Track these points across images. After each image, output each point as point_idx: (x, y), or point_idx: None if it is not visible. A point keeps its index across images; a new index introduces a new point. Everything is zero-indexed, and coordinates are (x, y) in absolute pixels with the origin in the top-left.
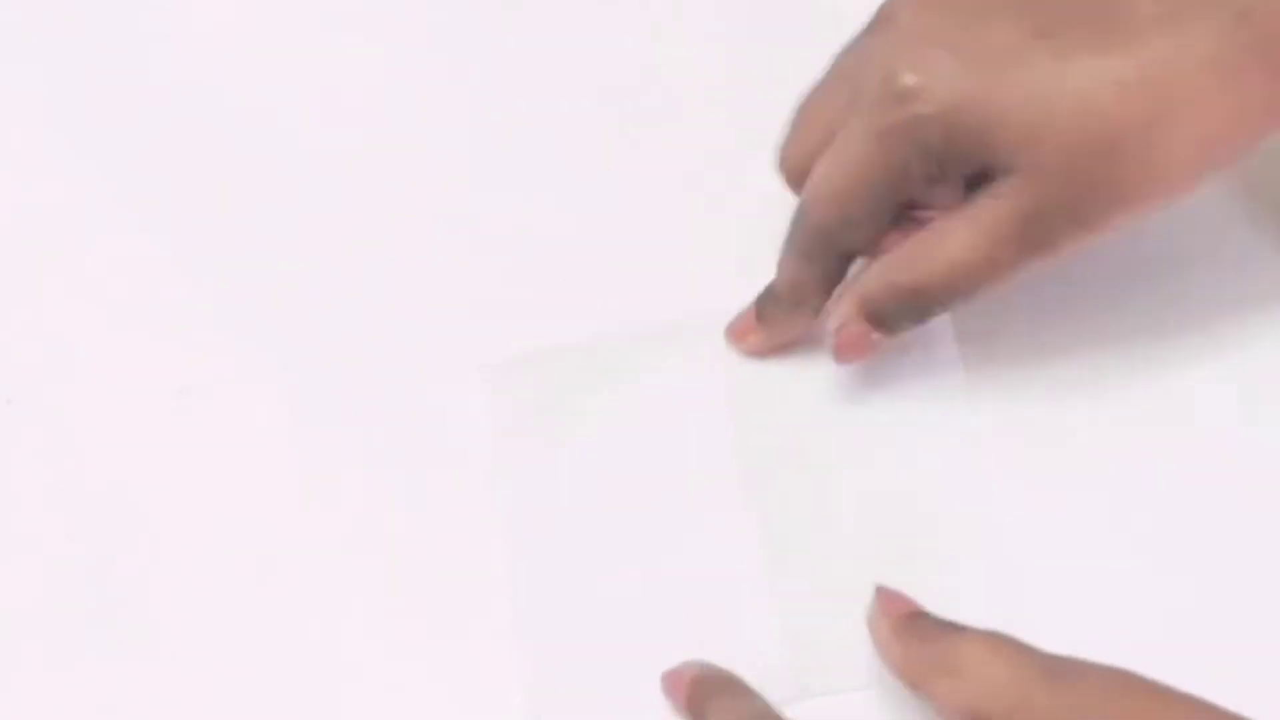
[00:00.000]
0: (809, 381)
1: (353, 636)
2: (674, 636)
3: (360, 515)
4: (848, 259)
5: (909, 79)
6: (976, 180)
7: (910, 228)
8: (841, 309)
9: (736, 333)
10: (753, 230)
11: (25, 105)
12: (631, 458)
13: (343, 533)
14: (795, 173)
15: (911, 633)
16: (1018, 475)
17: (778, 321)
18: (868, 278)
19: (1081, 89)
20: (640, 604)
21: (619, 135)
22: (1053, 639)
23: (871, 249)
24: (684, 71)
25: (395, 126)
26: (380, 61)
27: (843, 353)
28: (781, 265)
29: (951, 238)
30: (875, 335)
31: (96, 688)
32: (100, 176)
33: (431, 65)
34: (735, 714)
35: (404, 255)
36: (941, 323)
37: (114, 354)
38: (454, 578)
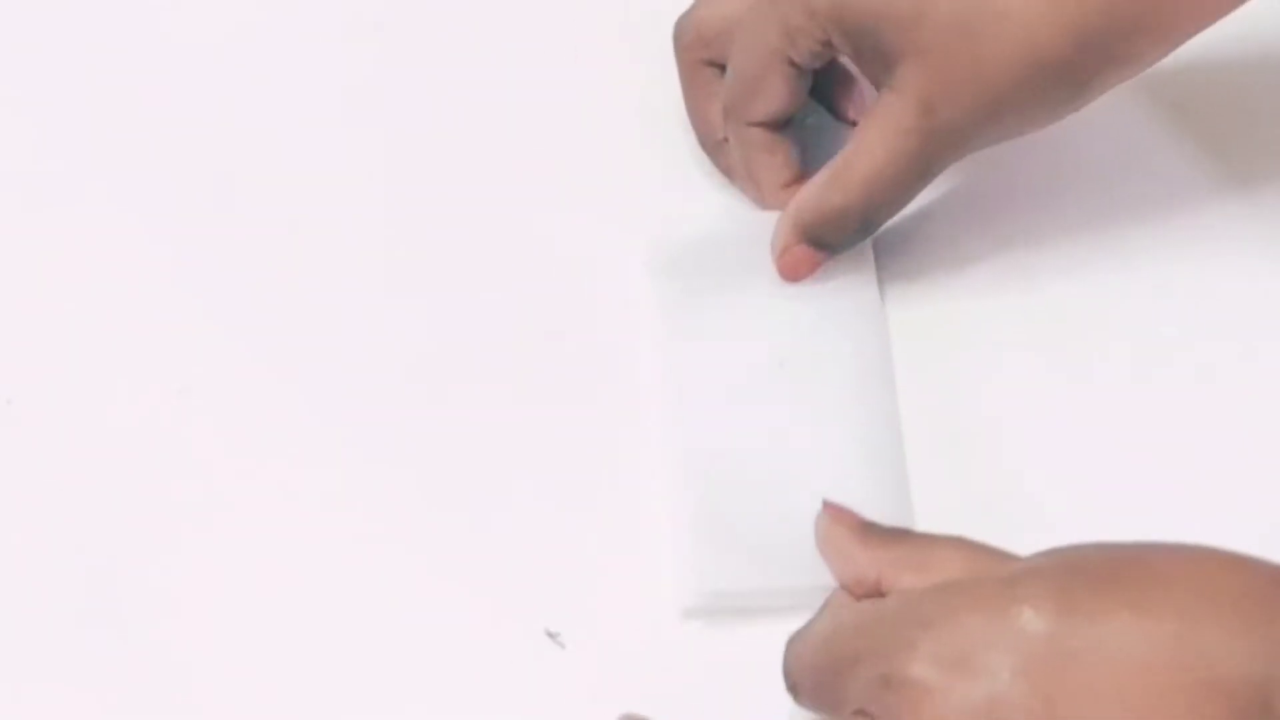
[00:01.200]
0: None
1: (353, 637)
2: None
3: (361, 515)
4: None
5: None
6: (878, 70)
7: None
8: (781, 235)
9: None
10: None
11: (25, 105)
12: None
13: (343, 532)
14: (689, 39)
15: (873, 535)
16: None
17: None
18: (801, 200)
19: None
20: (789, 477)
21: None
22: None
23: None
24: None
25: (395, 125)
26: (381, 61)
27: (788, 274)
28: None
29: (864, 146)
30: (819, 254)
31: (97, 688)
32: (100, 176)
33: (432, 64)
34: None
35: (404, 255)
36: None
37: (114, 354)
38: (454, 578)
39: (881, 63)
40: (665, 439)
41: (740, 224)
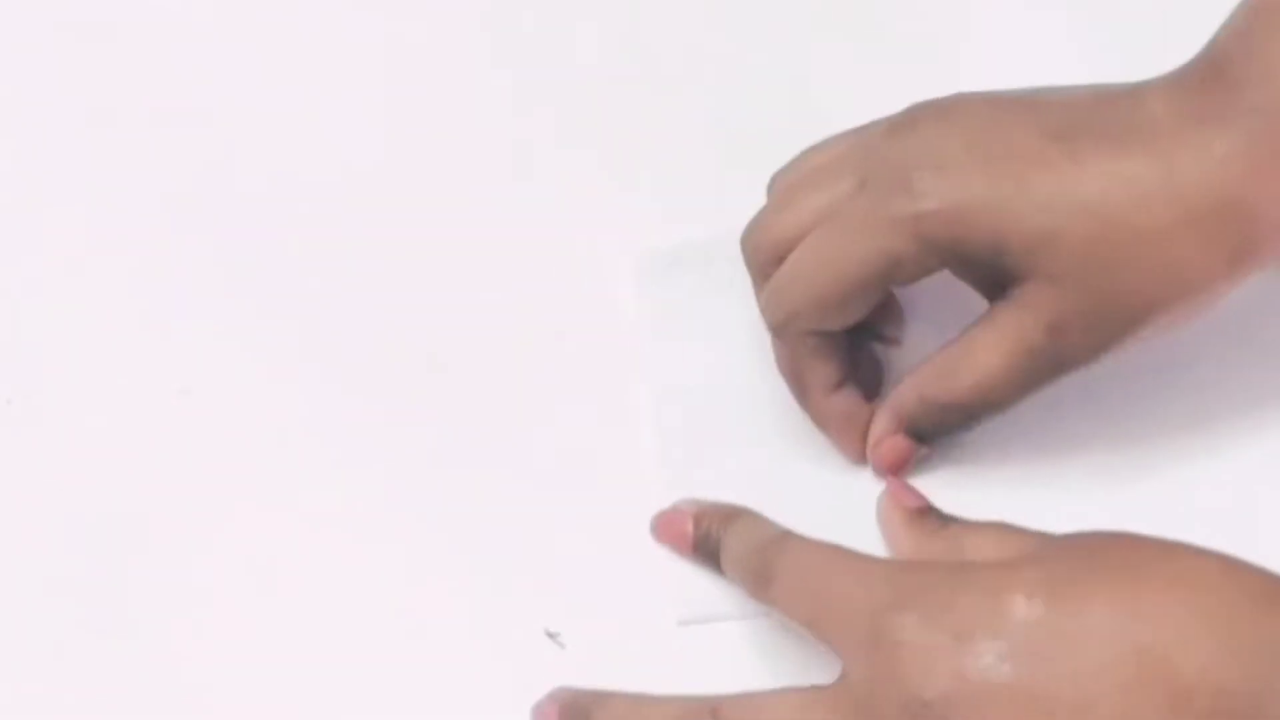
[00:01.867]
0: None
1: (353, 637)
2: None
3: (361, 515)
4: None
5: (922, 176)
6: (993, 284)
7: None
8: (879, 425)
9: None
10: None
11: (26, 105)
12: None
13: (343, 533)
14: (764, 250)
15: (921, 524)
16: None
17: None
18: (901, 393)
19: (1097, 194)
20: (779, 486)
21: None
22: None
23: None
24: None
25: (395, 125)
26: (381, 61)
27: (884, 468)
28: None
29: (980, 350)
30: (918, 446)
31: (97, 688)
32: (101, 177)
33: (434, 63)
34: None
35: (405, 256)
36: None
37: (114, 354)
38: (455, 578)
39: (1002, 282)
40: (654, 452)
41: (731, 231)
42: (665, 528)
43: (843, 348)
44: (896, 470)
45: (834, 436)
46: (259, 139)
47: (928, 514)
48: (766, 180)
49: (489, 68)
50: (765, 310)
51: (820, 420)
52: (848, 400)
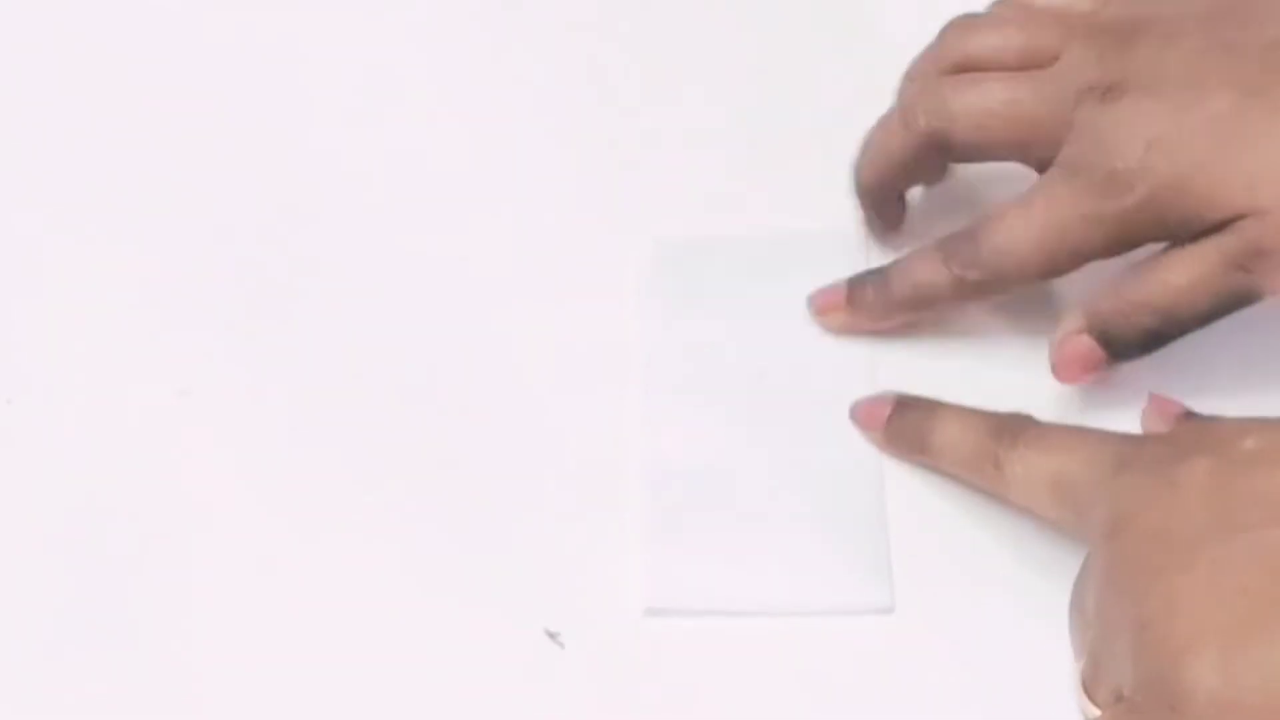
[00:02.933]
0: None
1: (353, 637)
2: (781, 524)
3: (361, 516)
4: None
5: (1133, 158)
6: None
7: None
8: (1067, 322)
9: (819, 305)
10: None
11: (26, 105)
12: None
13: (344, 533)
14: (952, 54)
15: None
16: None
17: (873, 313)
18: (1095, 294)
19: None
20: (756, 485)
21: None
22: None
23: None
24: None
25: (396, 125)
26: (382, 62)
27: (1065, 369)
28: (918, 266)
29: (1179, 259)
30: (1102, 354)
31: (97, 688)
32: (100, 176)
33: (435, 64)
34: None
35: (405, 257)
36: None
37: (114, 354)
38: (455, 579)
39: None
40: (638, 444)
41: (735, 239)
42: (864, 412)
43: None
44: (1072, 371)
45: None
46: (259, 139)
47: (1191, 415)
48: (780, 178)
49: (492, 65)
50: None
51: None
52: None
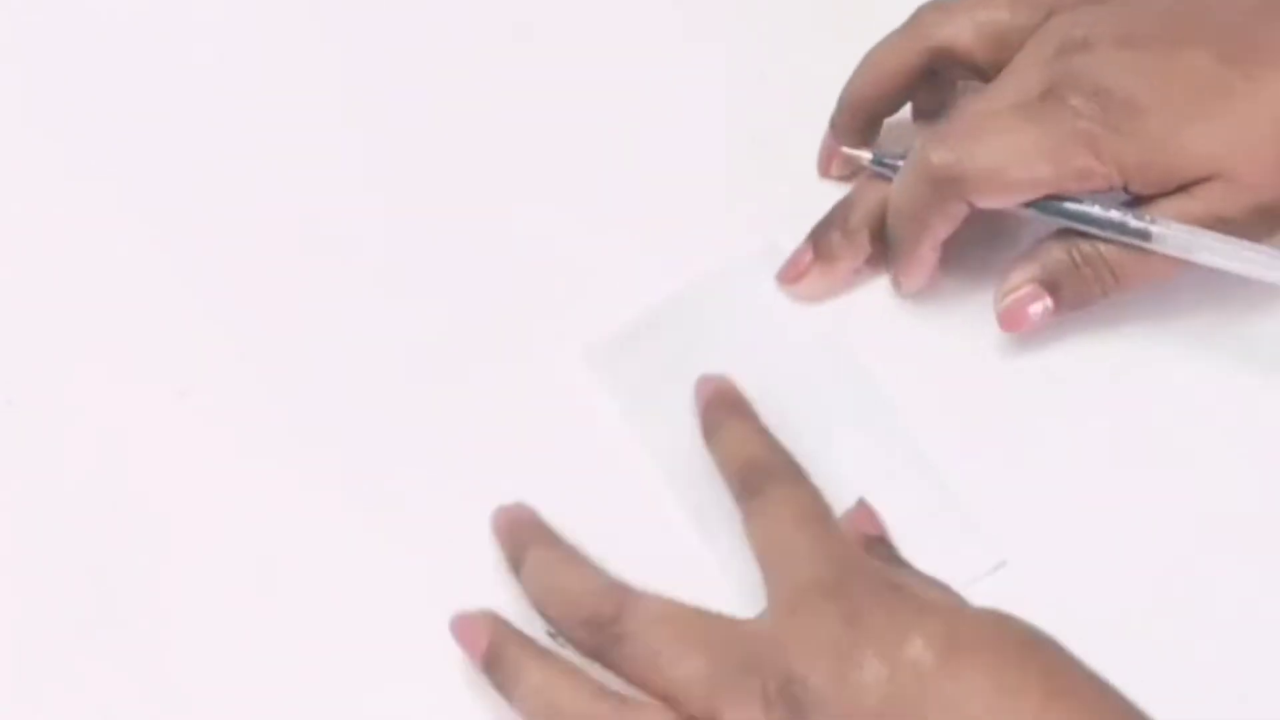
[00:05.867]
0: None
1: (353, 638)
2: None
3: (362, 515)
4: None
5: (1115, 111)
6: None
7: None
8: (1018, 272)
9: (788, 276)
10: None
11: (26, 105)
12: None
13: (344, 533)
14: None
15: (872, 552)
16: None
17: (844, 254)
18: (1047, 243)
19: (1274, 106)
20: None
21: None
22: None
23: None
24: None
25: (397, 128)
26: (383, 63)
27: (1009, 313)
28: (868, 188)
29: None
30: (1047, 302)
31: (97, 688)
32: (100, 176)
33: (434, 64)
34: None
35: (405, 258)
36: None
37: (114, 354)
38: (457, 577)
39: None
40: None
41: (677, 294)
42: (700, 384)
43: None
44: (1020, 319)
45: (908, 282)
46: (260, 141)
47: (879, 546)
48: (774, 182)
49: (491, 66)
50: (927, 141)
51: (908, 267)
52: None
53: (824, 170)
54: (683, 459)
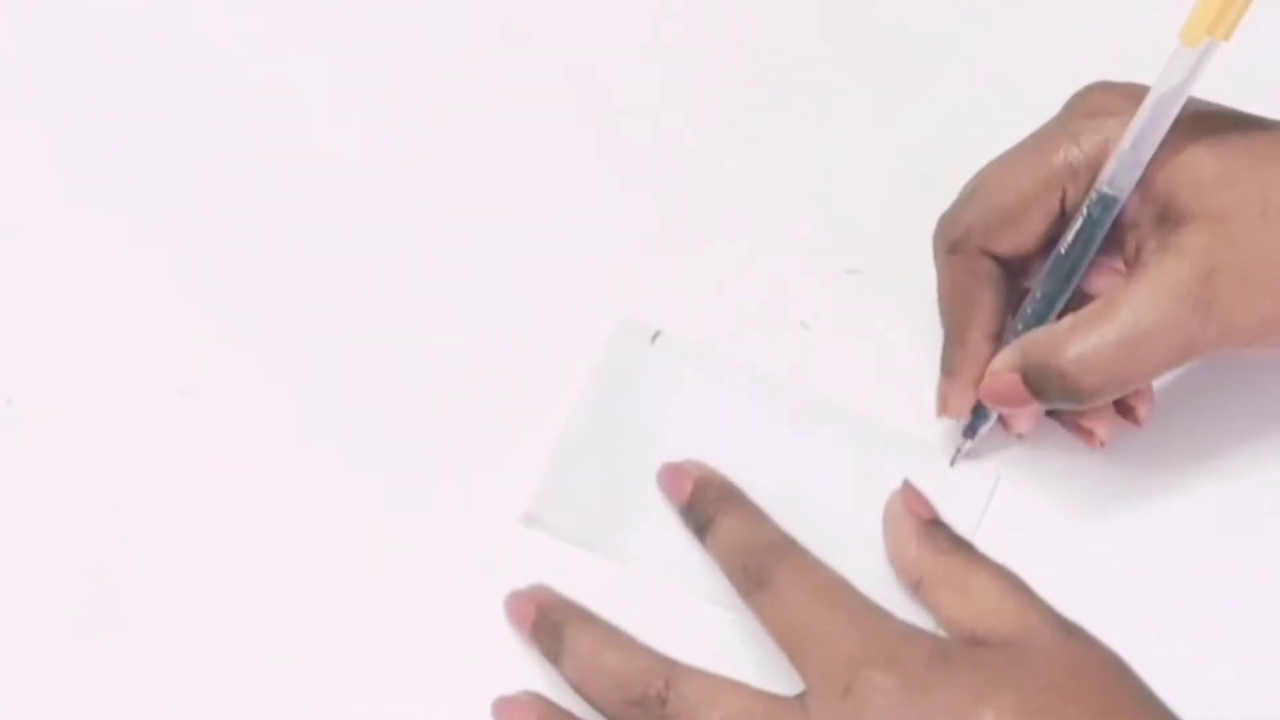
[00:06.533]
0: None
1: (354, 638)
2: None
3: (362, 515)
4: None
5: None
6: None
7: None
8: (1002, 358)
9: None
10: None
11: (27, 105)
12: None
13: (345, 533)
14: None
15: (932, 539)
16: None
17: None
18: (1036, 340)
19: (1270, 144)
20: None
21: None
22: None
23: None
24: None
25: (397, 128)
26: (384, 64)
27: (990, 393)
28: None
29: (1129, 306)
30: (1029, 397)
31: (97, 688)
32: (101, 176)
33: (433, 65)
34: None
35: (405, 259)
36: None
37: (114, 354)
38: (459, 577)
39: (1166, 224)
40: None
41: (588, 420)
42: (669, 477)
43: (1009, 292)
44: (995, 402)
45: (961, 385)
46: (259, 140)
47: (938, 528)
48: (770, 181)
49: (492, 68)
50: (938, 233)
51: (956, 363)
52: (991, 352)
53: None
54: (678, 561)
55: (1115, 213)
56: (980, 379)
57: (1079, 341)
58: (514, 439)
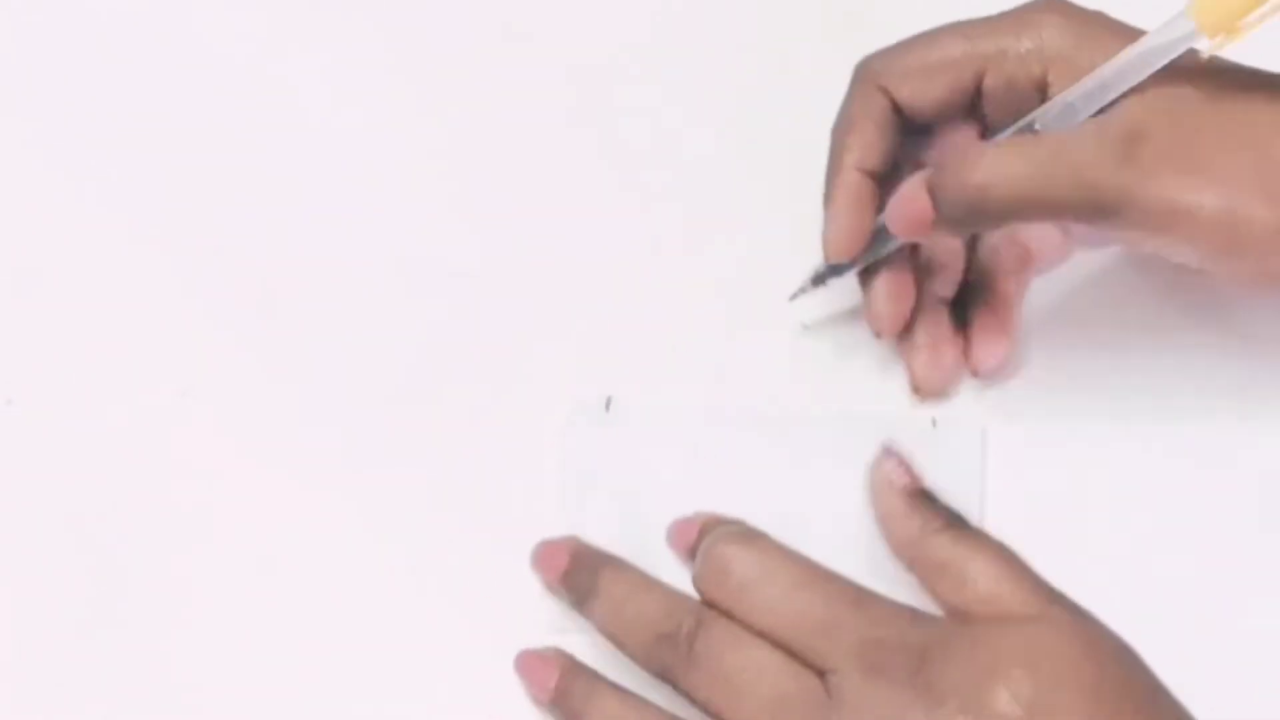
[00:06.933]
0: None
1: (355, 637)
2: None
3: (362, 515)
4: None
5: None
6: None
7: None
8: (917, 177)
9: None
10: None
11: (27, 105)
12: None
13: (345, 533)
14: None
15: (923, 515)
16: None
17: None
18: (953, 159)
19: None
20: None
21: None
22: None
23: None
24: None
25: (395, 126)
26: (384, 64)
27: (897, 223)
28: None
29: (1045, 142)
30: (932, 217)
31: (96, 688)
32: (101, 176)
33: (432, 66)
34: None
35: (407, 260)
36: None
37: (114, 354)
38: (459, 576)
39: None
40: None
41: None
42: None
43: (895, 142)
44: (907, 229)
45: (830, 212)
46: (259, 140)
47: (927, 503)
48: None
49: (491, 68)
50: (857, 65)
51: (830, 191)
52: (868, 188)
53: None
54: None
55: None
56: (854, 211)
57: (998, 157)
58: (514, 438)
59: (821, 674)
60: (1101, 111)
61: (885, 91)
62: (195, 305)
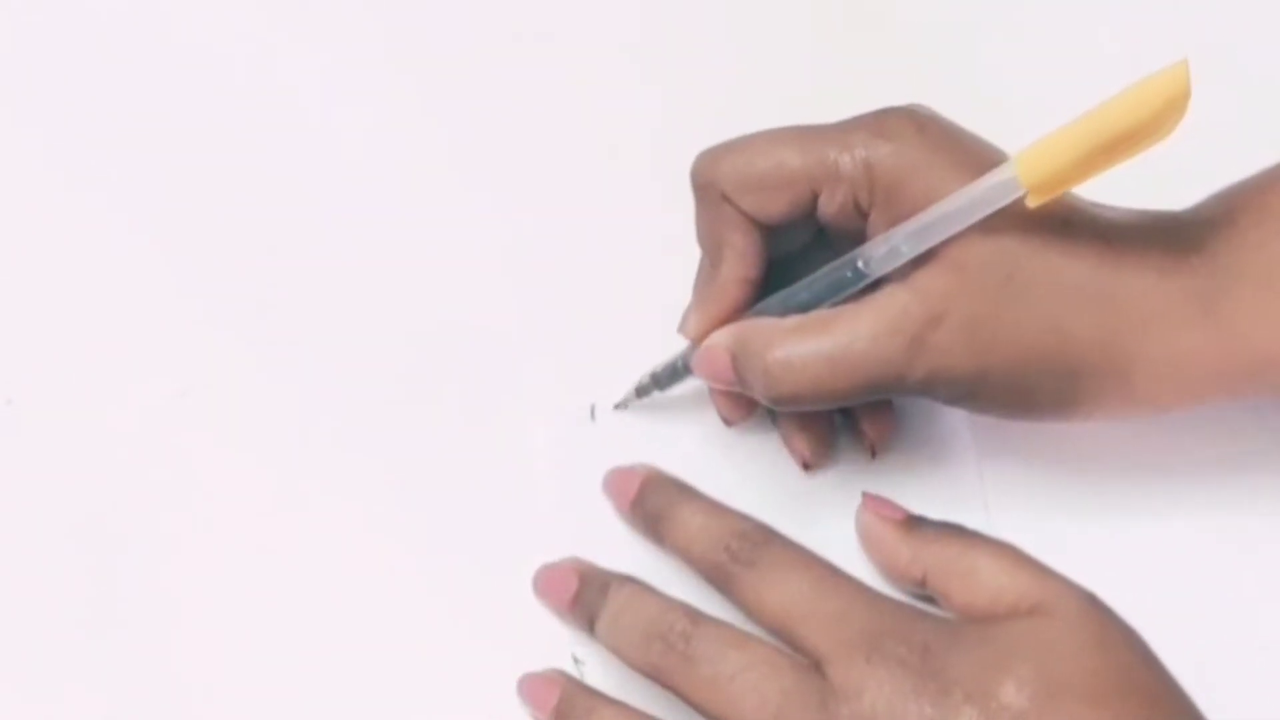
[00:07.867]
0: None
1: (355, 637)
2: None
3: (363, 515)
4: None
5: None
6: None
7: None
8: (720, 335)
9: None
10: None
11: (28, 104)
12: None
13: (344, 533)
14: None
15: (917, 531)
16: None
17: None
18: (752, 329)
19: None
20: None
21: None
22: None
23: None
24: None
25: (396, 126)
26: (384, 64)
27: (702, 364)
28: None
29: (850, 328)
30: (732, 377)
31: (97, 689)
32: (101, 176)
33: (431, 65)
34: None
35: (404, 257)
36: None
37: (114, 355)
38: (460, 575)
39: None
40: None
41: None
42: (614, 482)
43: (763, 237)
44: (712, 380)
45: (697, 311)
46: (260, 140)
47: (918, 523)
48: None
49: (493, 68)
50: (693, 168)
51: (706, 295)
52: (745, 297)
53: None
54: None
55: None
56: (724, 317)
57: (791, 345)
58: (515, 438)
59: (820, 665)
60: (921, 258)
61: (729, 201)
62: (195, 305)
